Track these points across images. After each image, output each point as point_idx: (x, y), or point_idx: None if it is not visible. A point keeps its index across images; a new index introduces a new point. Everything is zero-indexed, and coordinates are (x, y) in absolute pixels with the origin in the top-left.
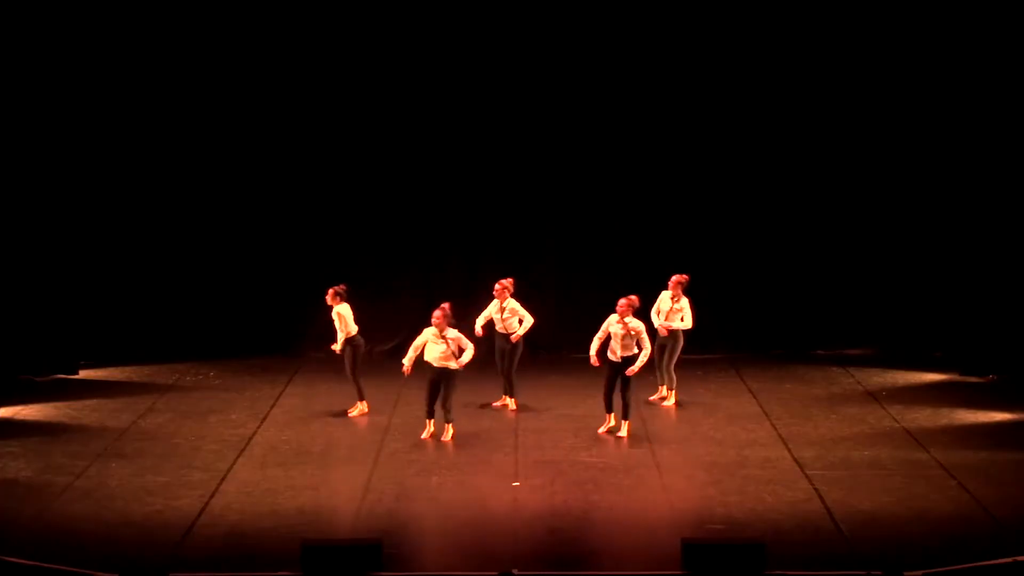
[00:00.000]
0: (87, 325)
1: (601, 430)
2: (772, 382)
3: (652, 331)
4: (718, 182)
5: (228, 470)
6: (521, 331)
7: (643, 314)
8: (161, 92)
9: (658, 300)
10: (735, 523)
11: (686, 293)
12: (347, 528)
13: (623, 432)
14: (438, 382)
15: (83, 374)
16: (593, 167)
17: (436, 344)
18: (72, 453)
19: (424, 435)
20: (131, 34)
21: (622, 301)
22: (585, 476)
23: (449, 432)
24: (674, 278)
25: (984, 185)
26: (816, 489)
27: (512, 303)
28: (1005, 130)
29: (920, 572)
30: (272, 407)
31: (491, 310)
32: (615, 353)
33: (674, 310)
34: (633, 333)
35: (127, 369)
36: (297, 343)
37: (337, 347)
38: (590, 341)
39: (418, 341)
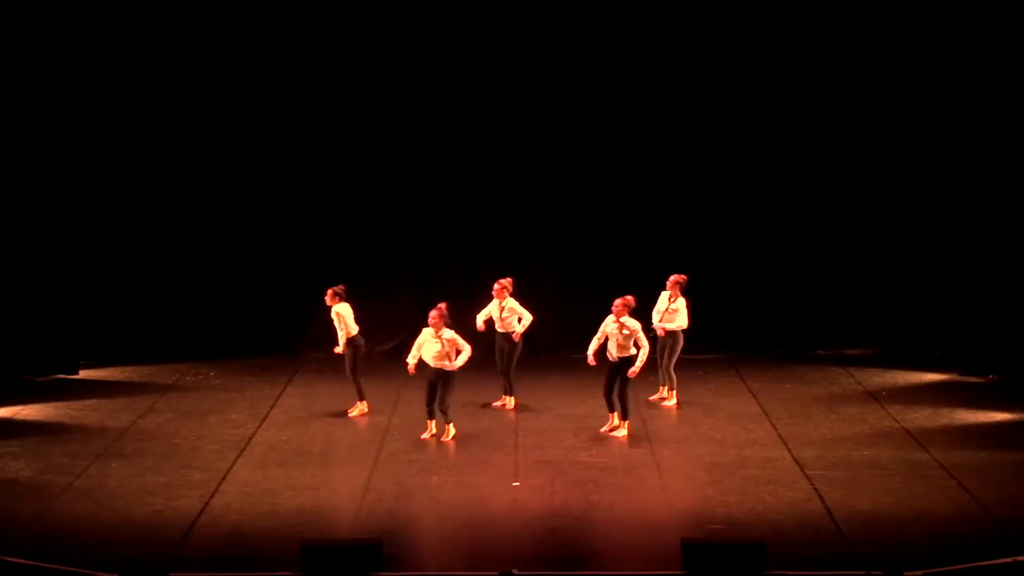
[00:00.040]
0: (87, 325)
1: (603, 429)
2: (772, 382)
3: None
4: (718, 182)
5: (228, 470)
6: (521, 329)
7: (644, 314)
8: (161, 92)
9: (659, 300)
10: (735, 523)
11: (684, 293)
12: (347, 528)
13: (621, 432)
14: (435, 382)
15: (83, 374)
16: (593, 167)
17: (433, 344)
18: (72, 453)
19: (425, 435)
20: (131, 34)
21: (617, 301)
22: (585, 476)
23: (451, 432)
24: (672, 278)
25: (984, 185)
26: (816, 489)
27: (511, 302)
28: (1005, 130)
29: (920, 572)
30: (272, 407)
31: (491, 309)
32: (611, 354)
33: (670, 310)
34: (629, 333)
35: (127, 369)
36: (297, 343)
37: (340, 348)
38: (590, 341)
39: (419, 340)
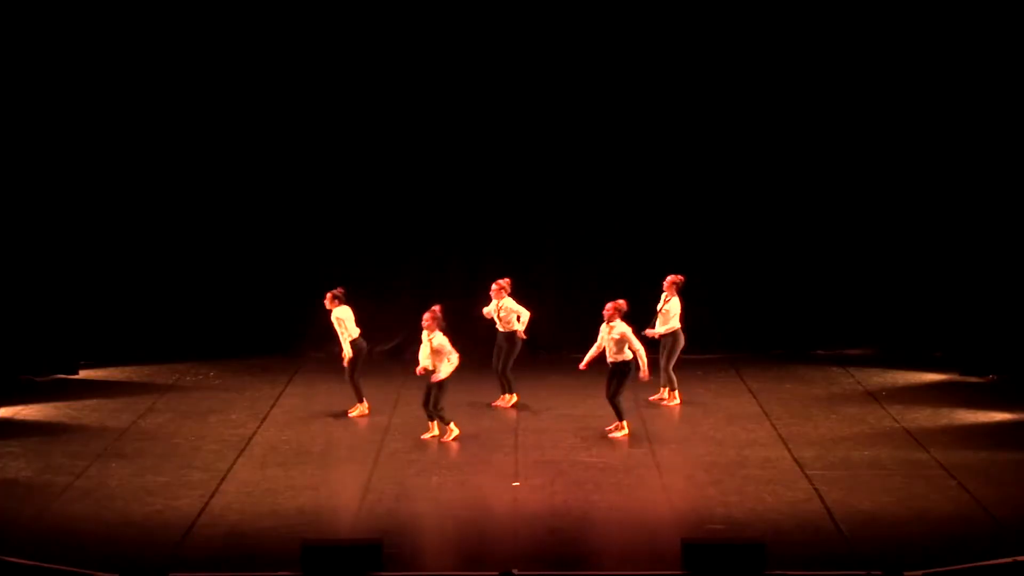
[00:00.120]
0: (87, 325)
1: (608, 428)
2: (772, 382)
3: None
4: (718, 182)
5: (228, 470)
6: (522, 327)
7: (644, 315)
8: (161, 93)
9: (660, 301)
10: (735, 523)
11: (681, 294)
12: (347, 528)
13: (619, 433)
14: (429, 384)
15: (83, 374)
16: (592, 167)
17: (424, 346)
18: (72, 453)
19: (426, 436)
20: (131, 34)
21: (608, 305)
22: (585, 476)
23: (453, 432)
24: (669, 278)
25: (984, 185)
26: (816, 489)
27: (508, 302)
28: (1005, 130)
29: (920, 572)
30: (272, 407)
31: (491, 309)
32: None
33: (662, 312)
34: (619, 338)
35: (127, 369)
36: (297, 343)
37: (346, 353)
38: (589, 341)
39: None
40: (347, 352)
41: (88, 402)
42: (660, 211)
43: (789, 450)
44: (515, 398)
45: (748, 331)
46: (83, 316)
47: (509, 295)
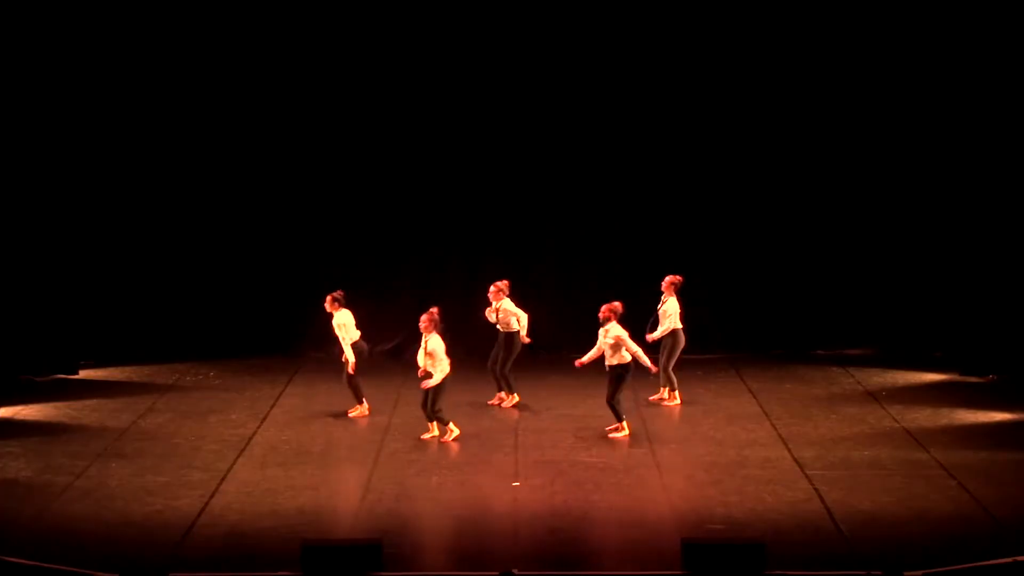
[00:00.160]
0: (87, 325)
1: (608, 428)
2: (772, 382)
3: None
4: (718, 182)
5: (228, 470)
6: (523, 330)
7: (644, 316)
8: (161, 92)
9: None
10: (735, 523)
11: (680, 294)
12: (347, 528)
13: (619, 434)
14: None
15: (83, 374)
16: (592, 167)
17: (421, 347)
18: (72, 453)
19: (426, 436)
20: (131, 34)
21: (603, 308)
22: (585, 476)
23: (453, 432)
24: (667, 279)
25: (984, 185)
26: (816, 489)
27: (506, 303)
28: (1005, 130)
29: (920, 572)
30: (272, 407)
31: (490, 312)
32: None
33: (660, 313)
34: (614, 341)
35: (127, 369)
36: (297, 343)
37: (350, 358)
38: (589, 341)
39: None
40: (349, 356)
41: (88, 402)
42: (660, 211)
43: (789, 450)
44: (516, 398)
45: (748, 331)
46: (83, 316)
47: (507, 297)
